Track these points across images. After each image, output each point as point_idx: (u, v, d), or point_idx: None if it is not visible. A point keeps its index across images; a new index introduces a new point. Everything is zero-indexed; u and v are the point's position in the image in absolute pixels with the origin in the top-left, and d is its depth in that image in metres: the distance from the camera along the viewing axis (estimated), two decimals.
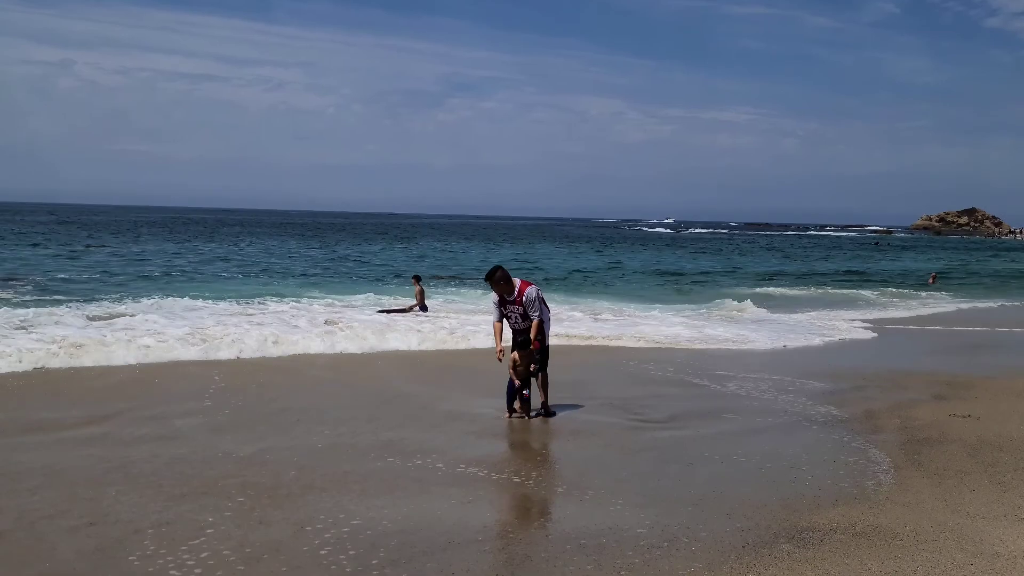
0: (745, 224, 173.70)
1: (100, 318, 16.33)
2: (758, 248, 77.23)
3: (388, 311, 19.43)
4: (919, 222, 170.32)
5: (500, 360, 9.45)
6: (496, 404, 9.39)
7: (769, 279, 38.12)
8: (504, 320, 9.49)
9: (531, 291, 9.30)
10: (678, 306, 24.08)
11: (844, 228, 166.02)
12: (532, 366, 9.26)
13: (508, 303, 9.35)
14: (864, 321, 20.90)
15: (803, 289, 32.51)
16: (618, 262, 48.23)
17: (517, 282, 9.36)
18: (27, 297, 20.89)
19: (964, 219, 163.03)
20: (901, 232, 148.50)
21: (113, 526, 5.62)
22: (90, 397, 10.04)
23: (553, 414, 9.38)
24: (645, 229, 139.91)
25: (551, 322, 9.89)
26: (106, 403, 9.62)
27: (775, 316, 21.47)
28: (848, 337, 17.87)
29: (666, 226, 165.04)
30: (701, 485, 6.81)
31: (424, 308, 19.78)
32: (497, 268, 9.38)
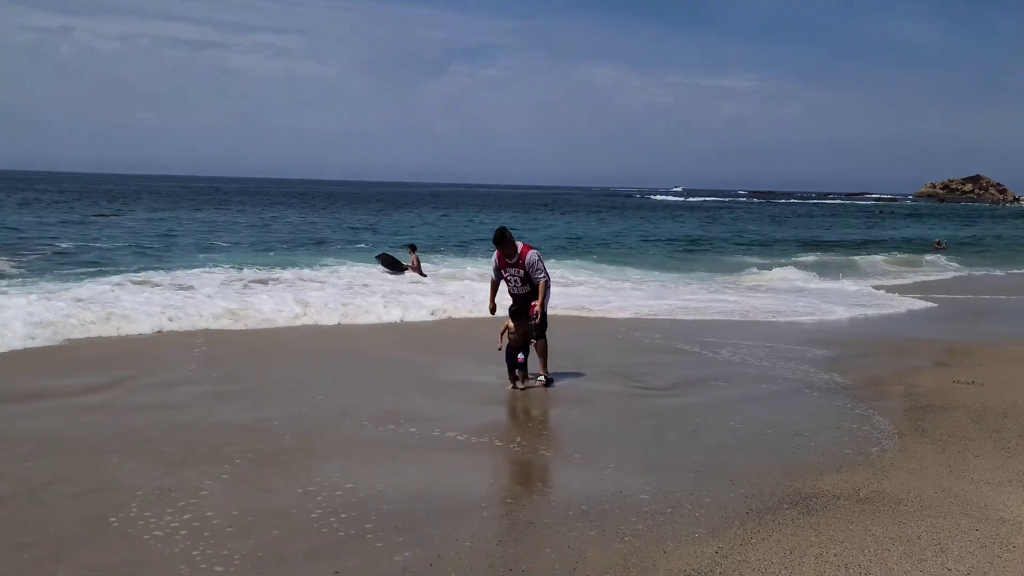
0: (750, 192, 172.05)
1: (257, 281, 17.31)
2: (785, 216, 76.08)
3: (386, 261, 20.22)
4: (923, 189, 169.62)
5: (493, 314, 9.53)
6: (499, 372, 9.36)
7: (804, 247, 37.78)
8: (503, 284, 9.45)
9: (532, 255, 9.26)
10: (698, 274, 23.92)
11: (848, 196, 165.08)
12: (528, 333, 9.18)
13: (509, 266, 9.31)
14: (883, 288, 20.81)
15: (833, 255, 32.36)
16: (640, 233, 47.47)
17: (519, 245, 9.32)
18: (80, 270, 20.15)
19: (968, 186, 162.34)
20: (908, 199, 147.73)
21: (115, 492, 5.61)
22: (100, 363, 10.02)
23: (551, 382, 9.35)
24: (656, 198, 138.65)
25: (551, 289, 9.78)
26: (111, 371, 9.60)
27: (816, 285, 21.39)
28: (902, 309, 17.44)
29: (675, 195, 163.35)
30: (703, 452, 6.79)
31: (422, 275, 19.85)
32: (503, 230, 9.34)
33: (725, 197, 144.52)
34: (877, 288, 20.97)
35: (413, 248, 21.03)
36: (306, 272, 19.74)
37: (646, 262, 28.13)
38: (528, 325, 9.16)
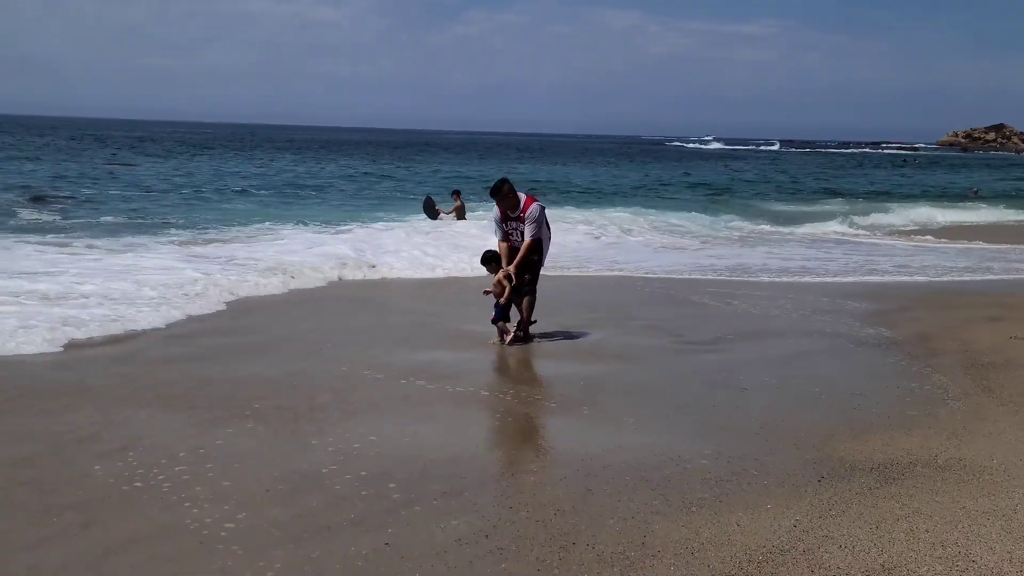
0: (782, 142, 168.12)
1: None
2: (844, 166, 74.07)
3: (431, 208, 20.39)
4: (945, 138, 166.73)
5: (511, 283, 8.65)
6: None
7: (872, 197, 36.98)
8: (507, 238, 8.79)
9: (535, 207, 8.63)
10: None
11: (870, 145, 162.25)
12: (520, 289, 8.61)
13: (511, 219, 8.71)
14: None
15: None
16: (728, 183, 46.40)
17: (523, 196, 8.77)
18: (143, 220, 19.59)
19: (991, 135, 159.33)
20: (930, 149, 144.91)
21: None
22: None
23: (531, 339, 8.75)
24: (700, 147, 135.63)
25: (550, 241, 9.19)
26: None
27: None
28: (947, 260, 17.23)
29: (714, 143, 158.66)
30: (759, 413, 6.42)
31: (462, 218, 20.16)
32: (504, 181, 8.72)
33: (762, 146, 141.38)
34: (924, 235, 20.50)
35: (457, 194, 20.93)
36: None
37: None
38: (521, 281, 8.61)
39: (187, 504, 4.54)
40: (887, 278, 14.65)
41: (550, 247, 9.12)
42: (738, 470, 5.17)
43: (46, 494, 4.67)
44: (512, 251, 8.69)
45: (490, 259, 8.83)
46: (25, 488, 4.76)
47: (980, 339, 9.14)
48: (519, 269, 8.59)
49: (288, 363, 7.65)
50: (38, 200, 23.50)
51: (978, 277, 14.92)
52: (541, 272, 8.96)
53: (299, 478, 4.94)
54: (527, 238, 8.60)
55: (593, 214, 23.67)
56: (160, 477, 4.91)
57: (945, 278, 14.72)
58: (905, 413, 6.46)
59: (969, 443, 5.71)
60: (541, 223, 8.70)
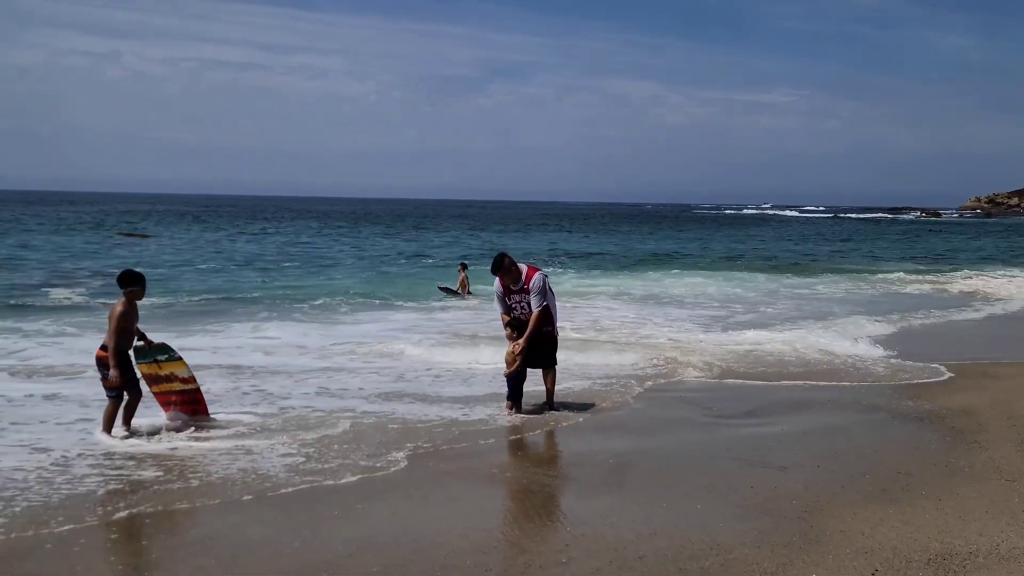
0: (824, 208, 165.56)
1: None
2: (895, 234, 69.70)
3: (446, 289, 20.25)
4: (968, 203, 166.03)
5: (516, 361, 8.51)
6: (564, 408, 8.62)
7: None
8: (510, 312, 8.63)
9: (538, 277, 8.48)
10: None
11: (891, 211, 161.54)
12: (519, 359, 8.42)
13: (513, 292, 8.54)
14: None
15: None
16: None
17: (524, 268, 8.59)
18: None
19: (1015, 200, 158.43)
20: (953, 214, 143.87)
21: None
22: None
23: (556, 409, 8.61)
24: (789, 213, 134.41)
25: (556, 307, 8.90)
26: None
27: None
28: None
29: (760, 210, 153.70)
30: (801, 494, 6.03)
31: (469, 293, 19.86)
32: (503, 255, 8.56)
33: (806, 213, 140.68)
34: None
35: (463, 267, 20.75)
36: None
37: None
38: (523, 348, 8.40)
39: None
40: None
41: (557, 312, 8.93)
42: (784, 561, 4.79)
43: None
44: (518, 324, 8.53)
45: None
46: None
47: None
48: (530, 342, 8.43)
49: None
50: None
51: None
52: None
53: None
54: (535, 308, 8.45)
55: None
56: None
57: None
58: (956, 493, 6.06)
59: None
60: (546, 292, 8.56)
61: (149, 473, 6.45)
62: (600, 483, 6.33)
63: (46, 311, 15.70)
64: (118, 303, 7.48)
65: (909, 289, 23.37)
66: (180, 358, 7.99)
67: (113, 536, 5.25)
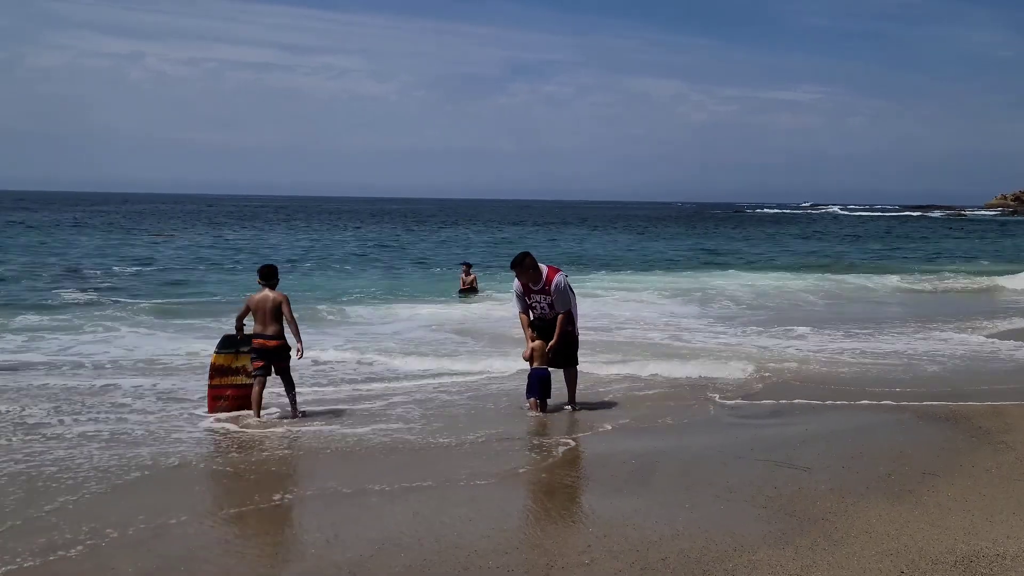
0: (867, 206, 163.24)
1: None
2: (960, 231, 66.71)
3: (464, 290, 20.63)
4: (994, 201, 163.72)
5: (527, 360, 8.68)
6: (585, 408, 8.63)
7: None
8: (529, 311, 8.67)
9: (560, 278, 8.46)
10: None
11: (917, 208, 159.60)
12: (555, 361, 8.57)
13: (533, 292, 8.53)
14: None
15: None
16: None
17: (544, 268, 8.57)
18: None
19: None
20: (979, 211, 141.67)
21: None
22: None
23: (578, 409, 8.65)
24: (830, 210, 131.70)
25: (577, 307, 8.93)
26: None
27: None
28: None
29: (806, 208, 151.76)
30: (826, 496, 5.97)
31: (475, 292, 20.42)
32: (526, 254, 8.57)
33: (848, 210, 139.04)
34: None
35: (468, 266, 21.37)
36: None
37: None
38: (550, 349, 8.51)
39: None
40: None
41: (578, 312, 8.95)
42: (808, 563, 4.75)
43: None
44: (539, 325, 8.59)
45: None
46: None
47: None
48: (559, 343, 8.50)
49: None
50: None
51: None
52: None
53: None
54: (559, 311, 8.46)
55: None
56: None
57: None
58: (983, 494, 5.99)
59: None
60: (568, 294, 8.55)
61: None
62: (623, 483, 6.31)
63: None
64: (275, 294, 8.18)
65: None
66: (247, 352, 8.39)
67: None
